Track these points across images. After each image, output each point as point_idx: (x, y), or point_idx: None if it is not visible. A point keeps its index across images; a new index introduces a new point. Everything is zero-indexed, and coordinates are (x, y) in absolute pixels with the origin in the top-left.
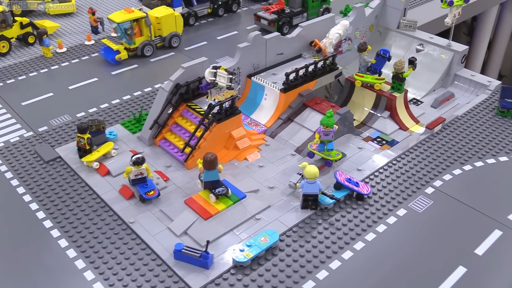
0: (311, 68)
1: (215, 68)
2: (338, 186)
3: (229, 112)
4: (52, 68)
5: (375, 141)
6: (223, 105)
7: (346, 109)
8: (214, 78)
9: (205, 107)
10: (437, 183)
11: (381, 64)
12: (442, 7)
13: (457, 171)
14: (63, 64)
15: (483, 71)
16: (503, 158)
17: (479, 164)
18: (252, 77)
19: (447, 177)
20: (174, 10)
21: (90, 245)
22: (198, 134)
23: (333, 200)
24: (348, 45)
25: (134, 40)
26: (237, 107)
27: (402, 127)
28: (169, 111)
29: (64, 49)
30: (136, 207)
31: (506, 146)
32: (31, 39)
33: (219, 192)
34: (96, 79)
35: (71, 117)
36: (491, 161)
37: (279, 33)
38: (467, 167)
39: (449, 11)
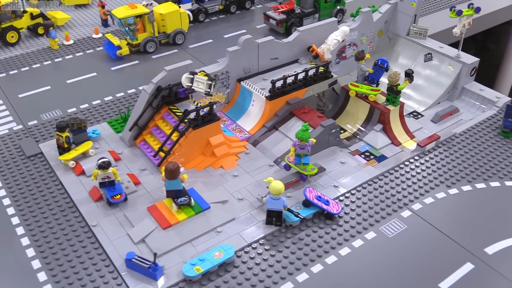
0: (301, 75)
1: (193, 73)
2: (307, 203)
3: (207, 118)
4: (56, 60)
5: (362, 156)
6: (200, 111)
7: (330, 121)
8: (190, 84)
9: None
10: (416, 206)
11: (379, 74)
12: (451, 16)
13: (440, 195)
14: (67, 57)
15: None
16: (494, 184)
17: (466, 188)
18: (242, 82)
19: (428, 200)
20: (180, 6)
21: (49, 245)
22: (175, 138)
23: (298, 218)
24: (353, 50)
25: (136, 36)
26: (216, 114)
27: (395, 142)
28: (150, 114)
29: (71, 42)
30: (102, 210)
31: (501, 171)
32: (40, 30)
33: (180, 202)
34: (95, 74)
35: (61, 112)
36: (480, 185)
37: (273, 37)
38: (453, 191)
39: (458, 21)
